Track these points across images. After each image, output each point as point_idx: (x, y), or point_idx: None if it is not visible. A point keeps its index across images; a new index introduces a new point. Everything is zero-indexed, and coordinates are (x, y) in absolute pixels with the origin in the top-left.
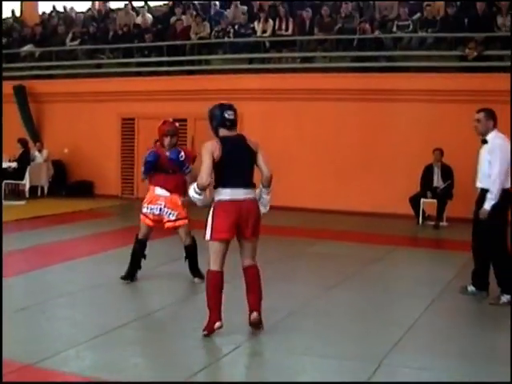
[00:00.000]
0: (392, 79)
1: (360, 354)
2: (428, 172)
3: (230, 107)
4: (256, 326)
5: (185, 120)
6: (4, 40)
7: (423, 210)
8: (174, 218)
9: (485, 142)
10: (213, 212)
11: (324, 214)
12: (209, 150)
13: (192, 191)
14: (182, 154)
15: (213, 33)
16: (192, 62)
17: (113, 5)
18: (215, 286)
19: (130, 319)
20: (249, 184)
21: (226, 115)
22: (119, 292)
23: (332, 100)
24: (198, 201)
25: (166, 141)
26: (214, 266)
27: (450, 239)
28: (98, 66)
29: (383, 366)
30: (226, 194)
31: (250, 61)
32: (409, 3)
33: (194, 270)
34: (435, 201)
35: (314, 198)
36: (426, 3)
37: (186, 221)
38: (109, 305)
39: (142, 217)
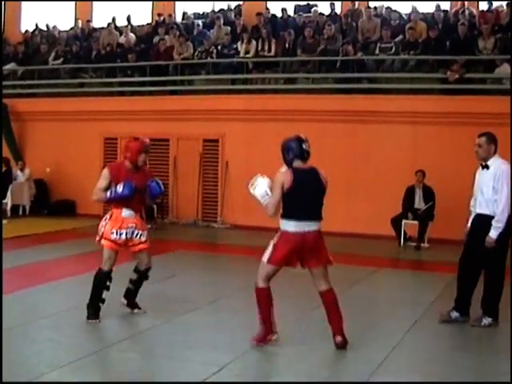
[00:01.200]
0: (374, 101)
1: (345, 374)
2: (410, 193)
3: (306, 140)
4: (342, 347)
5: (167, 140)
6: None
7: (405, 232)
8: (144, 239)
9: (486, 167)
10: (277, 239)
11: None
12: (280, 181)
13: (262, 191)
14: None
15: (196, 53)
16: (175, 82)
17: (96, 24)
18: (267, 300)
19: (114, 341)
20: (314, 217)
21: (304, 147)
22: (103, 313)
23: (314, 121)
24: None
25: (141, 158)
26: (264, 284)
27: (431, 260)
28: (81, 85)
29: None
30: (291, 225)
31: (233, 81)
32: (391, 26)
33: (134, 299)
34: (417, 222)
35: None
36: (408, 26)
37: (149, 243)
38: (93, 326)
39: (108, 244)
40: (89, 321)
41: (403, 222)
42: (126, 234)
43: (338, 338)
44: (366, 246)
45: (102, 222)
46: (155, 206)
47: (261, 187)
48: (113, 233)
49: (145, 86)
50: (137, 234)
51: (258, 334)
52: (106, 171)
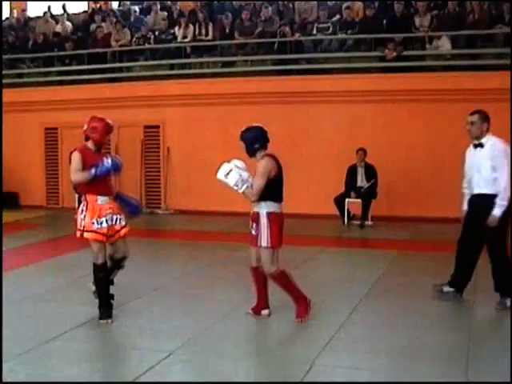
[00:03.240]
0: (313, 81)
1: (291, 355)
2: (352, 172)
3: (266, 130)
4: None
5: None
6: None
7: (348, 210)
8: (124, 223)
9: (480, 145)
10: (269, 222)
11: (248, 217)
12: (269, 169)
13: (236, 182)
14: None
15: (133, 40)
16: (113, 70)
17: (31, 13)
18: (287, 278)
19: (60, 331)
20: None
21: (267, 137)
22: (48, 304)
23: (255, 104)
24: (232, 185)
25: (107, 139)
26: (275, 266)
27: (375, 238)
28: (19, 75)
29: (315, 366)
30: (276, 207)
31: (172, 67)
32: (328, 6)
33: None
34: (360, 200)
35: (240, 201)
36: (345, 5)
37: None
38: (38, 317)
39: (93, 235)
40: (100, 321)
41: (346, 200)
42: (107, 221)
43: (266, 312)
44: (309, 226)
45: (80, 216)
46: None
47: (233, 175)
48: (93, 223)
49: (83, 75)
50: (116, 219)
51: (298, 310)
52: (77, 154)
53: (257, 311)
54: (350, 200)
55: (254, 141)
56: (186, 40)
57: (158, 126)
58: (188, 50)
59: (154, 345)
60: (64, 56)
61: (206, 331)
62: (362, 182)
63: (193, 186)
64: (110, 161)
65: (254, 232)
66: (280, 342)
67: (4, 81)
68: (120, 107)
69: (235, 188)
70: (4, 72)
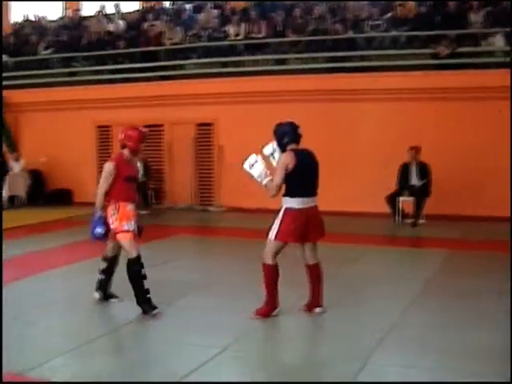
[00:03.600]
0: (365, 79)
1: (344, 354)
2: (405, 170)
3: (298, 125)
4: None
5: (161, 125)
6: None
7: (401, 209)
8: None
9: None
10: (282, 217)
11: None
12: (285, 163)
13: (260, 174)
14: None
15: (186, 38)
16: (166, 68)
17: (85, 12)
18: (274, 276)
19: (114, 327)
20: (313, 193)
21: (299, 132)
22: (99, 301)
23: (306, 101)
24: (257, 177)
25: (141, 147)
26: (272, 261)
27: (428, 237)
28: (72, 74)
29: (368, 364)
30: (295, 202)
31: (224, 64)
32: (380, 3)
33: (108, 289)
34: (412, 199)
35: None
36: (397, 2)
37: None
38: (92, 313)
39: (124, 235)
40: (147, 315)
41: (399, 199)
42: (134, 224)
43: (319, 310)
44: (361, 224)
45: (110, 219)
46: (151, 192)
47: (258, 167)
48: (123, 225)
49: (135, 73)
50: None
51: (261, 308)
52: (110, 166)
53: (309, 308)
54: (403, 198)
55: (284, 135)
56: (238, 38)
57: (210, 124)
58: (240, 47)
59: (206, 341)
60: (116, 54)
61: (258, 328)
62: (415, 180)
63: (244, 184)
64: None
65: None
66: (333, 339)
67: (58, 79)
68: (172, 105)
69: (258, 180)
70: (57, 70)
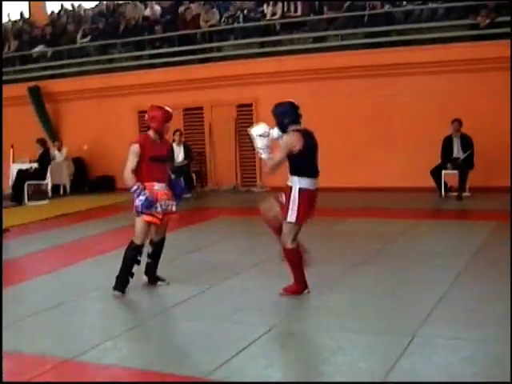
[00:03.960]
0: (405, 53)
1: (393, 327)
2: (448, 143)
3: (298, 105)
4: None
5: (201, 108)
6: (15, 42)
7: (445, 182)
8: (175, 209)
9: None
10: (298, 198)
11: (345, 191)
12: (290, 143)
13: (262, 147)
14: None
15: (222, 19)
16: (204, 50)
17: None
18: (300, 259)
19: (160, 309)
20: (318, 174)
21: (299, 112)
22: (148, 284)
23: (346, 78)
24: (259, 147)
25: (166, 127)
26: (294, 244)
27: (473, 209)
28: (111, 61)
29: (417, 337)
30: (307, 183)
31: (262, 44)
32: None
33: (155, 273)
34: (456, 172)
35: (334, 176)
36: None
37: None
38: (140, 297)
39: (148, 217)
40: (114, 292)
41: (443, 172)
42: (161, 206)
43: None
44: (406, 199)
45: (137, 199)
46: (194, 175)
47: (263, 140)
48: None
49: (174, 57)
50: (169, 206)
51: (291, 285)
52: (135, 147)
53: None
54: (447, 171)
55: (284, 115)
56: (275, 17)
57: (250, 105)
58: (277, 27)
59: (253, 320)
60: (154, 39)
61: (304, 306)
62: (458, 152)
63: (286, 163)
64: (143, 199)
65: (283, 201)
66: (381, 313)
67: (96, 67)
68: (212, 87)
69: (259, 151)
70: (96, 58)
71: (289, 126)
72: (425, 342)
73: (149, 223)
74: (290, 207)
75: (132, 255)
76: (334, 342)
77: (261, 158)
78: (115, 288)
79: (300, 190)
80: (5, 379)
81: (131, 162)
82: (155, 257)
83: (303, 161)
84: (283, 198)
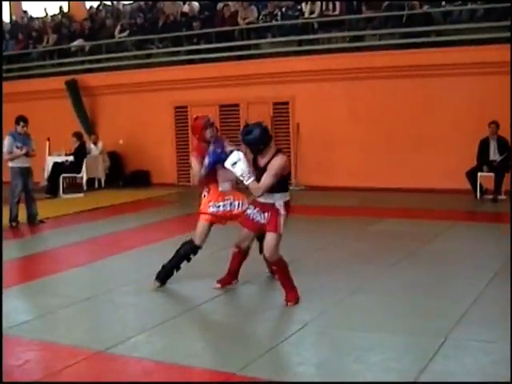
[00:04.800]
0: (443, 54)
1: (426, 328)
2: (484, 145)
3: (266, 125)
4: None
5: (237, 105)
6: (54, 36)
7: (481, 184)
8: (245, 207)
9: None
10: (285, 211)
11: (380, 192)
12: (283, 167)
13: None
14: (225, 143)
15: (260, 17)
16: (241, 47)
17: None
18: (287, 267)
19: (194, 304)
20: None
21: (269, 134)
22: (183, 278)
23: (383, 78)
24: (239, 175)
25: (209, 132)
26: (279, 253)
27: (508, 212)
28: (148, 56)
29: (450, 339)
30: (287, 196)
31: (299, 43)
32: None
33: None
34: (492, 174)
35: (369, 177)
36: None
37: None
38: (173, 291)
39: (205, 217)
40: (156, 281)
41: (479, 174)
42: (224, 205)
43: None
44: (441, 200)
45: (203, 200)
46: None
47: (241, 165)
48: (209, 206)
49: (211, 53)
50: (237, 205)
51: (287, 295)
52: (193, 159)
53: (226, 283)
54: (483, 174)
55: (258, 142)
56: (313, 16)
57: (287, 103)
58: (315, 25)
59: (287, 317)
60: (192, 35)
61: (338, 304)
62: (494, 155)
63: (322, 162)
64: (208, 157)
65: (262, 220)
66: (414, 314)
67: (134, 62)
68: (248, 84)
69: (241, 178)
70: (134, 53)
71: (264, 150)
72: (457, 343)
73: (206, 222)
74: (279, 221)
75: (186, 251)
76: (367, 341)
77: (247, 185)
78: (157, 277)
79: (285, 203)
80: (36, 373)
81: (194, 167)
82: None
83: (285, 178)
84: (261, 216)
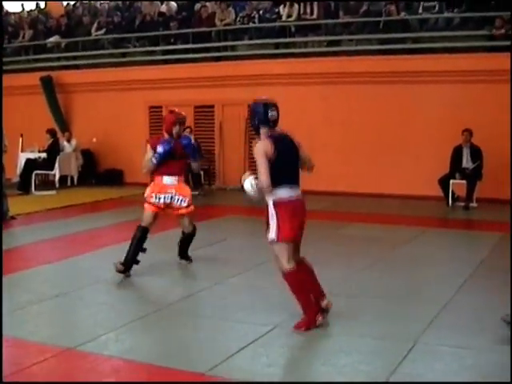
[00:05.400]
0: (419, 61)
1: (395, 332)
2: (457, 153)
3: (275, 106)
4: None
5: (212, 106)
6: (30, 32)
7: (453, 192)
8: (185, 204)
9: None
10: (276, 213)
11: (353, 197)
12: (263, 151)
13: (249, 186)
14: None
15: (238, 19)
16: (218, 49)
17: None
18: (302, 283)
19: (165, 304)
20: (298, 181)
21: (270, 115)
22: (154, 277)
23: (359, 83)
24: (253, 194)
25: (175, 129)
26: (291, 265)
27: (480, 220)
28: (124, 55)
29: (419, 344)
30: (284, 193)
31: (276, 46)
32: None
33: (184, 254)
34: (465, 182)
35: (343, 181)
36: None
37: (193, 208)
38: (144, 290)
39: (147, 206)
40: (117, 269)
41: (451, 181)
42: (165, 198)
43: (326, 302)
44: (414, 206)
45: (147, 190)
46: (202, 173)
47: (246, 184)
48: (152, 196)
49: (188, 54)
50: (176, 200)
51: (302, 320)
52: (148, 145)
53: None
54: (455, 181)
55: (254, 115)
56: (290, 19)
57: None
58: (292, 29)
59: (257, 318)
60: (169, 35)
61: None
62: (467, 163)
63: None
64: (160, 147)
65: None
66: (384, 318)
67: (110, 60)
68: (224, 86)
69: (252, 193)
70: (110, 51)
71: (259, 128)
72: (427, 348)
73: (149, 210)
74: (271, 225)
75: (138, 236)
76: (336, 344)
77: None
78: (117, 268)
79: (275, 202)
80: (4, 369)
81: (146, 155)
82: (183, 242)
83: (276, 169)
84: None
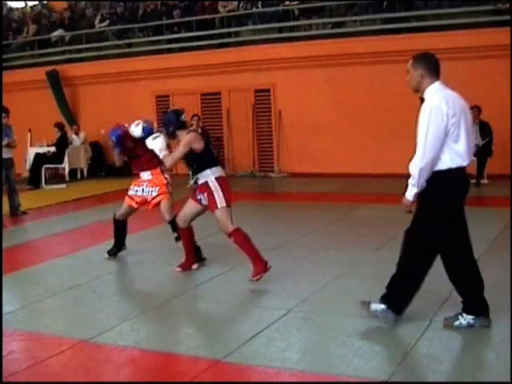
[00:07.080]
0: (424, 39)
1: (411, 312)
2: None
3: (183, 111)
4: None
5: (218, 93)
6: (34, 27)
7: None
8: (155, 193)
9: (421, 100)
10: (219, 185)
11: (363, 178)
12: (189, 142)
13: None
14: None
15: (241, 4)
16: (222, 35)
17: None
18: (247, 237)
19: (179, 292)
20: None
21: (182, 119)
22: (166, 266)
23: (365, 64)
24: (157, 149)
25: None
26: (234, 225)
27: (491, 196)
28: (129, 45)
29: (434, 322)
30: (218, 171)
31: (280, 30)
32: None
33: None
34: (475, 159)
35: (351, 163)
36: None
37: (167, 196)
38: (157, 279)
39: (126, 198)
40: (109, 252)
41: None
42: (137, 191)
43: (196, 265)
44: None
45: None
46: None
47: (160, 140)
48: (130, 189)
49: (192, 42)
50: (147, 191)
51: (254, 270)
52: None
53: (186, 267)
54: None
55: (169, 124)
56: (293, 2)
57: (268, 90)
58: (296, 12)
59: (271, 303)
60: (173, 24)
61: (321, 290)
62: (476, 139)
63: (305, 149)
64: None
65: (203, 202)
66: None
67: (115, 51)
68: (230, 72)
69: (158, 152)
70: (114, 42)
71: (175, 132)
72: (441, 326)
73: (125, 202)
74: (216, 196)
75: (116, 223)
76: (351, 325)
77: (163, 157)
78: (109, 250)
79: (216, 178)
80: (21, 363)
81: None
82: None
83: (207, 155)
84: (202, 197)
